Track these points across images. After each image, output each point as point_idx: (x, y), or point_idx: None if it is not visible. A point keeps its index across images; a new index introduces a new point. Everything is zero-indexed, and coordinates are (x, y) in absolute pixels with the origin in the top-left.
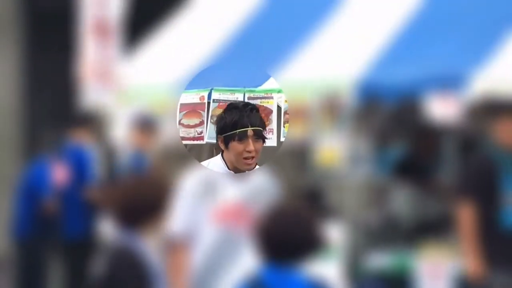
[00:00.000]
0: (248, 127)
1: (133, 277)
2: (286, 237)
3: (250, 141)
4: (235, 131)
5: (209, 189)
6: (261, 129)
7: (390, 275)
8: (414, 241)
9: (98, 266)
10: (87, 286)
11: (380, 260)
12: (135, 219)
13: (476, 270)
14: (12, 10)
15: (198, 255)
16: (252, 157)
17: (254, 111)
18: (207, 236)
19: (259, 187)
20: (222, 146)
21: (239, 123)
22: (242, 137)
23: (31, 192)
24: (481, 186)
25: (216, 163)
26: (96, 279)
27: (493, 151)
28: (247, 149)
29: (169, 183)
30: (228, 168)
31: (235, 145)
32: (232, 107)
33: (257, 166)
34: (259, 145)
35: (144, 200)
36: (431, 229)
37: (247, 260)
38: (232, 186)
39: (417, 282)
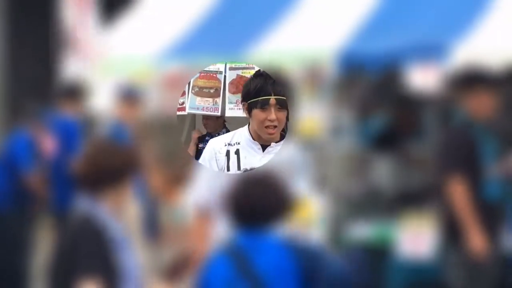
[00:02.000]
0: (271, 96)
1: (92, 244)
2: (255, 201)
3: (272, 109)
4: (258, 99)
5: (232, 158)
6: (285, 98)
7: (372, 245)
8: (396, 211)
9: (60, 235)
10: (51, 255)
11: (362, 231)
12: (96, 185)
13: (480, 246)
14: None
15: (221, 225)
16: (274, 127)
17: (280, 80)
18: None
19: (286, 159)
20: (246, 113)
21: (262, 90)
22: (264, 105)
23: (11, 164)
24: (466, 159)
25: (241, 133)
26: (58, 247)
27: (467, 123)
28: (269, 118)
29: (137, 152)
30: (253, 138)
31: (257, 113)
32: (257, 75)
33: (285, 139)
34: (281, 114)
35: (106, 167)
36: (412, 199)
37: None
38: (256, 156)
39: (398, 252)
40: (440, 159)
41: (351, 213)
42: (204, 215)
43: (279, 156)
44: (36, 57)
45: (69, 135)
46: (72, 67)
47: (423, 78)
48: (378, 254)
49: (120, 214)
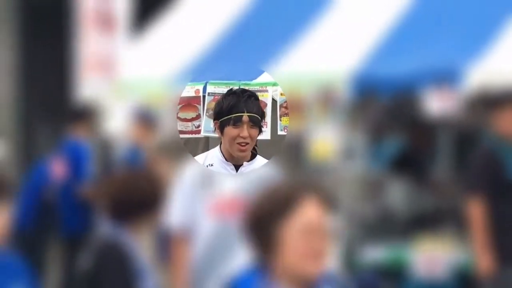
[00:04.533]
0: (244, 113)
1: (119, 272)
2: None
3: (245, 126)
4: (230, 116)
5: (206, 181)
6: (258, 116)
7: (386, 268)
8: (409, 234)
9: (85, 260)
10: (74, 279)
11: (376, 253)
12: (127, 213)
13: (487, 267)
14: (8, 3)
15: (196, 248)
16: (247, 144)
17: (252, 98)
18: (205, 229)
19: (259, 179)
20: (217, 132)
21: (235, 108)
22: (237, 122)
23: (36, 188)
24: (489, 180)
25: (213, 155)
26: (82, 272)
27: (495, 144)
28: (241, 135)
29: (164, 178)
30: (226, 159)
31: (229, 130)
32: (230, 93)
33: (258, 157)
34: (254, 132)
35: (137, 195)
36: (426, 222)
37: (245, 253)
38: (230, 178)
39: (412, 275)
40: (463, 181)
41: (365, 235)
42: (180, 239)
43: (250, 176)
44: (51, 79)
45: (79, 159)
46: (90, 89)
47: (438, 102)
48: (392, 277)
49: (148, 242)
